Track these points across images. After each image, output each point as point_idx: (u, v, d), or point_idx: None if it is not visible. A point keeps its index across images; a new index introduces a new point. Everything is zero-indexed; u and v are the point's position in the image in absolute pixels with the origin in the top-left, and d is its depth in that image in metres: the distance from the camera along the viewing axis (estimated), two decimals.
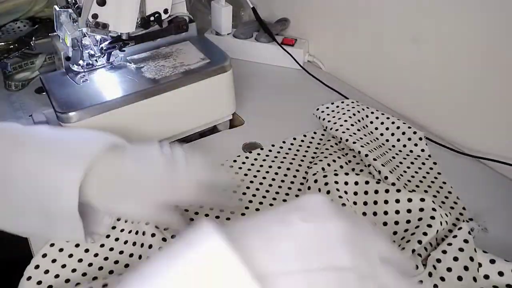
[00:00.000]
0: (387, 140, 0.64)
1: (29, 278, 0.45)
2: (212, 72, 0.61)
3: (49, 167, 0.41)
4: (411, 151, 0.62)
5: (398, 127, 0.64)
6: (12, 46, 0.75)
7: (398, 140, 0.63)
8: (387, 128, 0.64)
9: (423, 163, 0.60)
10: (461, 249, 0.45)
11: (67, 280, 0.45)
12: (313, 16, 0.83)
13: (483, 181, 0.59)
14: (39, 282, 0.44)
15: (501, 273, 0.43)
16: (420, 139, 0.62)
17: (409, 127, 0.63)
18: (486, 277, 0.44)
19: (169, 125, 0.61)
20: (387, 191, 0.50)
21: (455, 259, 0.44)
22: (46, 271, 0.45)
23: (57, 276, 0.45)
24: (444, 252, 0.45)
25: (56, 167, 0.40)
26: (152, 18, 0.57)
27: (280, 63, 0.84)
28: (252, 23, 0.86)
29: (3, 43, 0.75)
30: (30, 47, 0.76)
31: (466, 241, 0.45)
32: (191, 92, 0.60)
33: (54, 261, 0.46)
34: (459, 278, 0.43)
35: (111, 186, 0.42)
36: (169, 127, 0.61)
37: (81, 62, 0.59)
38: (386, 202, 0.50)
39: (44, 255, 0.46)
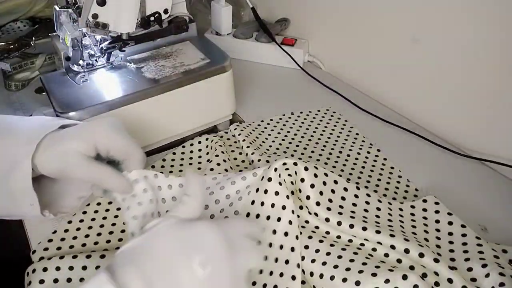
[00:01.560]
0: (328, 138, 0.65)
1: (33, 252, 0.47)
2: (212, 72, 0.61)
3: (11, 145, 0.42)
4: (353, 142, 0.64)
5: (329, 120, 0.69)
6: (12, 46, 0.75)
7: (338, 136, 0.66)
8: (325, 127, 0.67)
9: (369, 152, 0.62)
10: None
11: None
12: (313, 16, 0.83)
13: (484, 182, 0.59)
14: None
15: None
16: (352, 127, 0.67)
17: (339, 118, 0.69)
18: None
19: (169, 125, 0.61)
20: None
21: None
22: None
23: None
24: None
25: (17, 145, 0.42)
26: (152, 18, 0.57)
27: (280, 63, 0.84)
28: (252, 23, 0.86)
29: (3, 43, 0.75)
30: (30, 47, 0.76)
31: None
32: (191, 92, 0.60)
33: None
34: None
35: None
36: (169, 127, 0.61)
37: (81, 62, 0.59)
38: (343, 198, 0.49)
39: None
